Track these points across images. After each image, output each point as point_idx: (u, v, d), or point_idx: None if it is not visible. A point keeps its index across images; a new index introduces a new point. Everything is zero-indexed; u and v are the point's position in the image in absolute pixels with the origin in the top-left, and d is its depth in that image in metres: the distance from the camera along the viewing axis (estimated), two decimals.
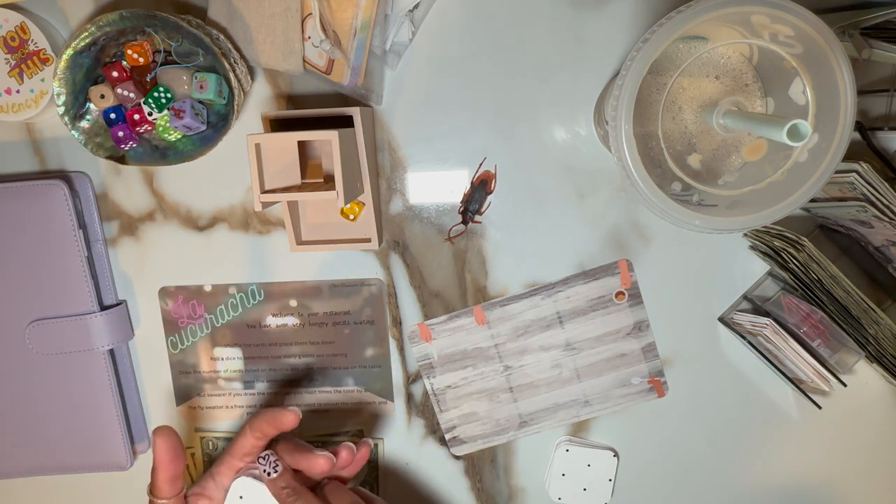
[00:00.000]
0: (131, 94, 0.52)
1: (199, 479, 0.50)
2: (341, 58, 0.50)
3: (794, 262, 0.50)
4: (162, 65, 0.52)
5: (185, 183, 0.57)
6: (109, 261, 0.58)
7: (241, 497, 0.49)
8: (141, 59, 0.51)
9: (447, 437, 0.59)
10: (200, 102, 0.52)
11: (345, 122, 0.50)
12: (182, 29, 0.49)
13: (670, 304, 0.56)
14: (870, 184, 0.45)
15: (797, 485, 0.59)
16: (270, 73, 0.55)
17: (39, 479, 0.61)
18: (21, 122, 0.56)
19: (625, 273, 0.55)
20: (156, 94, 0.51)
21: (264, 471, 0.48)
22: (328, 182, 0.53)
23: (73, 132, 0.52)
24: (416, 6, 0.51)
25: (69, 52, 0.50)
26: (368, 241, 0.53)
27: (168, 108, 0.51)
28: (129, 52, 0.51)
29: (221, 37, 0.50)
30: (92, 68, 0.52)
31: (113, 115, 0.52)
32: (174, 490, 0.48)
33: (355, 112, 0.49)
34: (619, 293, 0.56)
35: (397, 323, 0.58)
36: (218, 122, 0.53)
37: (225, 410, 0.60)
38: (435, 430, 0.59)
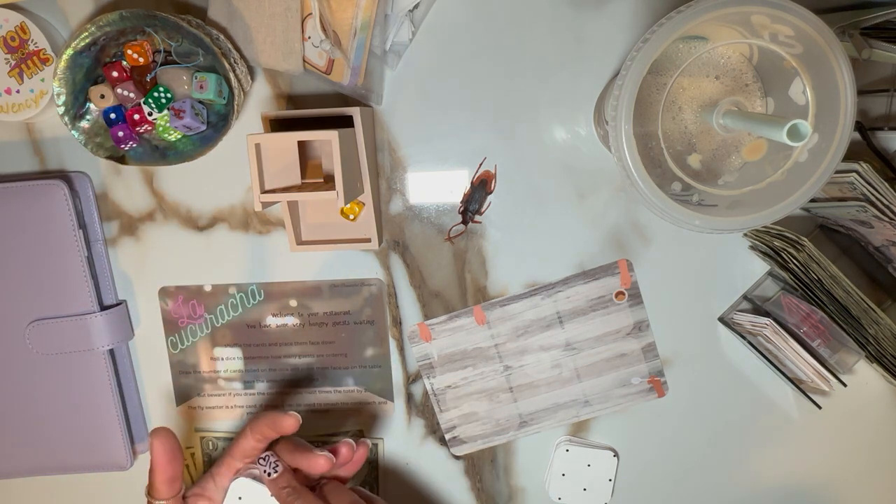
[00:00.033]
0: (131, 94, 0.52)
1: (199, 480, 0.50)
2: (341, 58, 0.50)
3: (794, 262, 0.50)
4: (162, 65, 0.52)
5: (185, 183, 0.57)
6: (109, 261, 0.58)
7: (239, 498, 0.49)
8: (141, 59, 0.51)
9: (447, 437, 0.59)
10: (200, 102, 0.52)
11: (345, 122, 0.50)
12: (182, 29, 0.49)
13: (670, 304, 0.56)
14: (870, 184, 0.45)
15: (797, 485, 0.59)
16: (270, 73, 0.55)
17: (39, 479, 0.61)
18: (21, 122, 0.56)
19: (625, 273, 0.55)
20: (156, 94, 0.51)
21: (265, 471, 0.48)
22: (328, 182, 0.53)
23: (73, 132, 0.52)
24: (416, 6, 0.51)
25: (69, 52, 0.50)
26: (368, 241, 0.53)
27: (168, 108, 0.51)
28: (129, 52, 0.51)
29: (221, 37, 0.50)
30: (92, 68, 0.52)
31: (113, 115, 0.52)
32: (172, 491, 0.48)
33: (355, 112, 0.49)
34: (619, 293, 0.56)
35: (397, 323, 0.58)
36: (218, 122, 0.53)
37: (225, 410, 0.60)
38: (435, 430, 0.59)
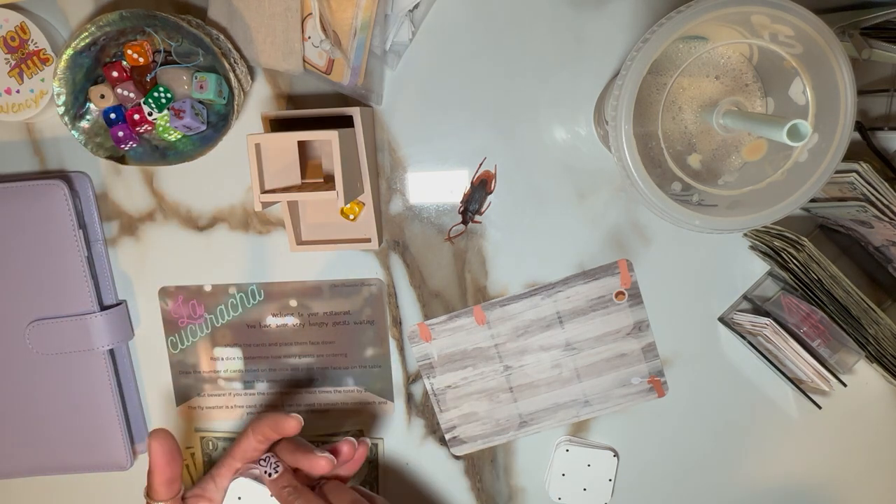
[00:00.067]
0: (131, 94, 0.52)
1: (200, 481, 0.50)
2: (341, 58, 0.50)
3: (794, 262, 0.50)
4: (162, 65, 0.52)
5: (185, 183, 0.57)
6: (109, 261, 0.58)
7: (239, 498, 0.49)
8: (141, 59, 0.51)
9: (447, 437, 0.59)
10: (200, 102, 0.52)
11: (345, 122, 0.50)
12: (182, 29, 0.49)
13: (670, 304, 0.56)
14: (870, 184, 0.45)
15: (797, 485, 0.59)
16: (270, 73, 0.55)
17: (39, 479, 0.61)
18: (21, 122, 0.56)
19: (625, 273, 0.55)
20: (156, 94, 0.51)
21: (265, 471, 0.48)
22: (328, 182, 0.53)
23: (73, 132, 0.52)
24: (416, 6, 0.51)
25: (69, 52, 0.50)
26: (368, 241, 0.53)
27: (168, 108, 0.51)
28: (129, 52, 0.51)
29: (221, 37, 0.50)
30: (92, 68, 0.52)
31: (113, 115, 0.52)
32: (171, 493, 0.48)
33: (355, 112, 0.49)
34: (619, 293, 0.56)
35: (397, 323, 0.58)
36: (218, 122, 0.53)
37: (225, 410, 0.60)
38: (435, 430, 0.59)
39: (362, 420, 0.60)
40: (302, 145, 0.52)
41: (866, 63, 0.47)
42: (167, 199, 0.57)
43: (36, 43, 0.52)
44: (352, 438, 0.50)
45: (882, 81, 0.52)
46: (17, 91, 0.53)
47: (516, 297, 0.56)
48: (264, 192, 0.48)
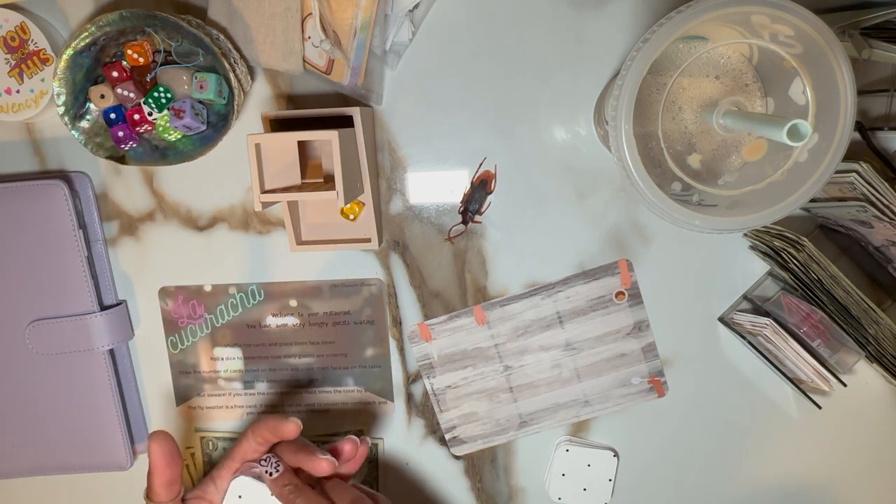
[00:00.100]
0: (131, 94, 0.52)
1: (200, 483, 0.50)
2: (341, 58, 0.50)
3: (794, 262, 0.50)
4: (162, 65, 0.52)
5: (185, 183, 0.57)
6: (109, 261, 0.58)
7: (239, 496, 0.49)
8: (141, 59, 0.51)
9: (447, 437, 0.59)
10: (200, 102, 0.52)
11: (345, 122, 0.50)
12: (182, 29, 0.49)
13: (670, 304, 0.56)
14: (870, 184, 0.45)
15: (797, 485, 0.59)
16: (270, 73, 0.55)
17: (39, 479, 0.61)
18: (21, 122, 0.56)
19: (625, 273, 0.55)
20: (156, 94, 0.51)
21: (266, 471, 0.48)
22: (328, 182, 0.53)
23: (73, 132, 0.52)
24: (416, 6, 0.51)
25: (69, 52, 0.50)
26: (368, 241, 0.53)
27: (168, 108, 0.51)
28: (129, 52, 0.51)
29: (221, 37, 0.50)
30: (92, 68, 0.52)
31: (113, 115, 0.52)
32: (171, 494, 0.48)
33: (355, 112, 0.49)
34: (619, 293, 0.56)
35: (397, 323, 0.58)
36: (218, 122, 0.53)
37: (225, 410, 0.60)
38: (435, 430, 0.59)
39: (362, 420, 0.60)
40: (302, 145, 0.52)
41: (866, 63, 0.47)
42: (167, 199, 0.57)
43: (36, 43, 0.52)
44: (354, 437, 0.50)
45: (882, 81, 0.52)
46: (17, 91, 0.53)
47: (516, 297, 0.56)
48: (264, 192, 0.48)
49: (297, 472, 0.50)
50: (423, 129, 0.55)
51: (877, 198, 0.45)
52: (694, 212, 0.40)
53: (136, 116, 0.52)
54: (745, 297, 0.56)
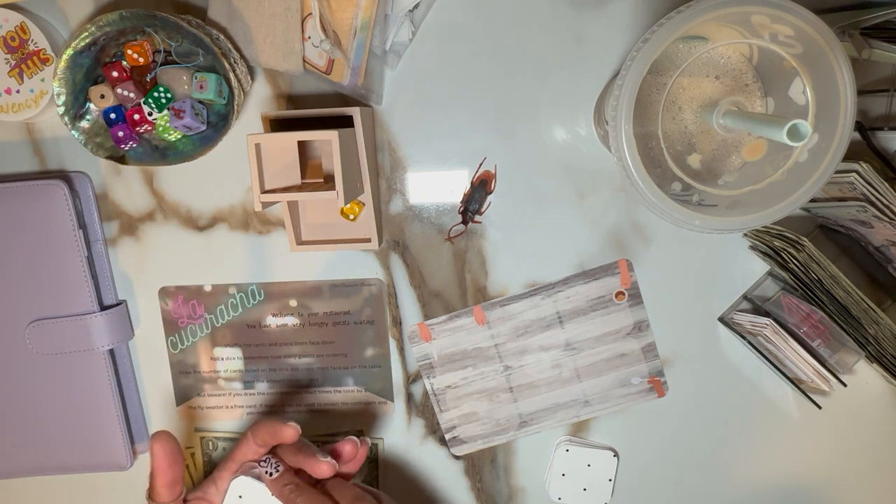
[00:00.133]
0: (131, 94, 0.52)
1: (201, 484, 0.50)
2: (341, 58, 0.50)
3: (794, 262, 0.50)
4: (162, 65, 0.52)
5: (185, 183, 0.57)
6: (109, 261, 0.58)
7: (240, 496, 0.49)
8: (141, 59, 0.51)
9: (447, 437, 0.59)
10: (200, 102, 0.52)
11: (345, 122, 0.50)
12: (182, 29, 0.49)
13: (670, 304, 0.56)
14: (870, 184, 0.45)
15: (797, 485, 0.59)
16: (270, 73, 0.55)
17: (39, 479, 0.61)
18: (21, 122, 0.56)
19: (625, 273, 0.55)
20: (156, 94, 0.51)
21: (266, 471, 0.48)
22: (328, 182, 0.53)
23: (73, 132, 0.52)
24: (416, 6, 0.51)
25: (69, 52, 0.50)
26: (368, 241, 0.53)
27: (168, 108, 0.51)
28: (129, 52, 0.51)
29: (221, 37, 0.50)
30: (92, 68, 0.52)
31: (113, 115, 0.52)
32: (173, 495, 0.48)
33: (355, 112, 0.49)
34: (619, 293, 0.56)
35: (397, 323, 0.58)
36: (218, 122, 0.53)
37: (225, 410, 0.60)
38: (435, 430, 0.59)
39: (362, 420, 0.60)
40: (302, 145, 0.52)
41: (866, 63, 0.47)
42: (167, 199, 0.57)
43: (36, 43, 0.52)
44: (354, 438, 0.50)
45: (882, 81, 0.52)
46: (17, 91, 0.53)
47: (516, 297, 0.56)
48: (264, 192, 0.48)
49: (298, 472, 0.50)
50: (423, 129, 0.55)
51: (877, 198, 0.45)
52: (694, 212, 0.40)
53: (136, 116, 0.52)
54: (745, 297, 0.56)
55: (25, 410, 0.57)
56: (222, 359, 0.59)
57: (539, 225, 0.56)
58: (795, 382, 0.55)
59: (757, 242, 0.54)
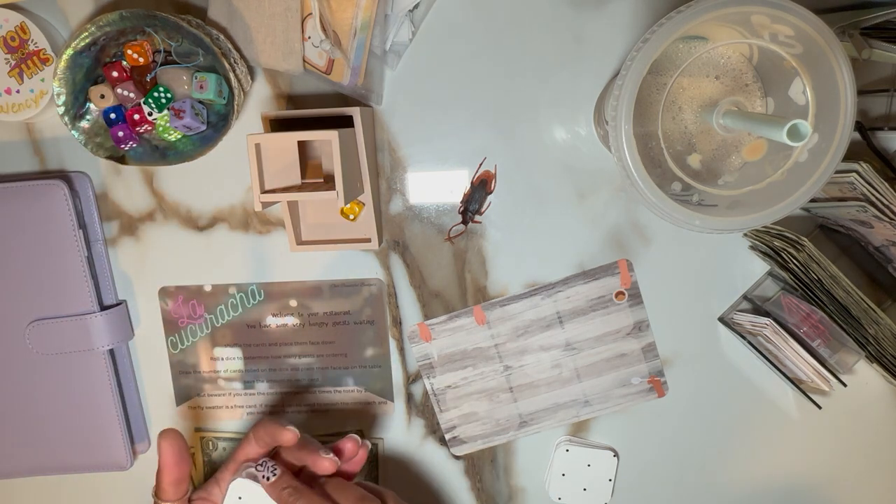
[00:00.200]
0: (131, 94, 0.52)
1: (204, 485, 0.51)
2: (341, 58, 0.50)
3: (794, 262, 0.50)
4: (162, 65, 0.52)
5: (185, 183, 0.57)
6: (109, 261, 0.58)
7: (239, 498, 0.49)
8: (141, 59, 0.51)
9: (447, 437, 0.59)
10: (200, 102, 0.52)
11: (345, 122, 0.50)
12: (182, 29, 0.49)
13: (670, 304, 0.56)
14: (870, 184, 0.45)
15: (797, 485, 0.59)
16: (270, 73, 0.55)
17: (39, 479, 0.61)
18: (21, 122, 0.56)
19: (625, 273, 0.55)
20: (156, 94, 0.51)
21: (263, 476, 0.48)
22: (328, 182, 0.53)
23: (73, 132, 0.52)
24: (416, 6, 0.51)
25: (69, 52, 0.50)
26: (368, 241, 0.53)
27: (168, 108, 0.51)
28: (129, 52, 0.51)
29: (221, 37, 0.50)
30: (92, 68, 0.52)
31: (113, 115, 0.52)
32: (179, 493, 0.49)
33: (355, 112, 0.49)
34: (619, 293, 0.56)
35: (397, 323, 0.58)
36: (218, 122, 0.53)
37: (225, 410, 0.60)
38: (435, 430, 0.59)
39: (362, 420, 0.60)
40: (302, 145, 0.52)
41: (866, 63, 0.47)
42: (167, 199, 0.57)
43: (36, 43, 0.52)
44: (355, 436, 0.50)
45: (882, 81, 0.52)
46: (17, 91, 0.53)
47: (516, 297, 0.56)
48: (264, 192, 0.48)
49: (298, 472, 0.50)
50: (423, 129, 0.55)
51: (877, 198, 0.45)
52: (694, 212, 0.40)
53: (136, 116, 0.52)
54: (745, 297, 0.56)
55: (25, 410, 0.57)
56: (222, 359, 0.59)
57: (539, 225, 0.56)
58: (795, 382, 0.55)
59: (757, 242, 0.54)
